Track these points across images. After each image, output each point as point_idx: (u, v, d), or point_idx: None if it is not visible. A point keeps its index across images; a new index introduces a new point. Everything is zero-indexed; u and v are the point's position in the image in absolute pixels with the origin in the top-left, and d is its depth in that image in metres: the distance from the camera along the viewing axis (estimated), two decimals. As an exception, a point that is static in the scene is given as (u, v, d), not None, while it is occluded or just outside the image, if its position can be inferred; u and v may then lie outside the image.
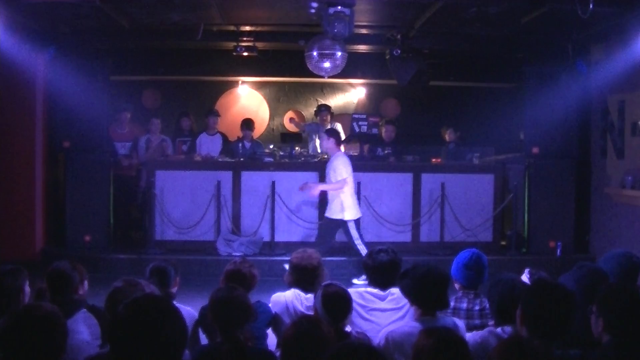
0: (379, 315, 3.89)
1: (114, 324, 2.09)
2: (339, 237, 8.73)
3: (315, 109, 10.46)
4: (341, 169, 7.62)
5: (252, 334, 3.40)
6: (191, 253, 8.33)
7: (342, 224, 7.71)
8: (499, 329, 3.31)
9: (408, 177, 8.86)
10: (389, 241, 8.06)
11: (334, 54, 7.64)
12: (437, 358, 2.41)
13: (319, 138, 9.87)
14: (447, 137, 9.90)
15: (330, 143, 7.82)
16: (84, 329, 3.34)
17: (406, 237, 8.79)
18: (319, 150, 9.73)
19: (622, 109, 8.18)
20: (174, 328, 2.07)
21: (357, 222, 7.79)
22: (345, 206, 7.66)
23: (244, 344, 3.12)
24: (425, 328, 2.66)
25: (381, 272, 3.98)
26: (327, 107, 10.04)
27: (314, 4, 6.70)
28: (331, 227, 7.84)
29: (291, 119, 10.82)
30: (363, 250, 7.50)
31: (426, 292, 3.40)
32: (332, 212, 7.75)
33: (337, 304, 3.32)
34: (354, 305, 3.66)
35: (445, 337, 2.48)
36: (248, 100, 11.66)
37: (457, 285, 3.98)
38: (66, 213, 8.63)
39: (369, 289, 4.01)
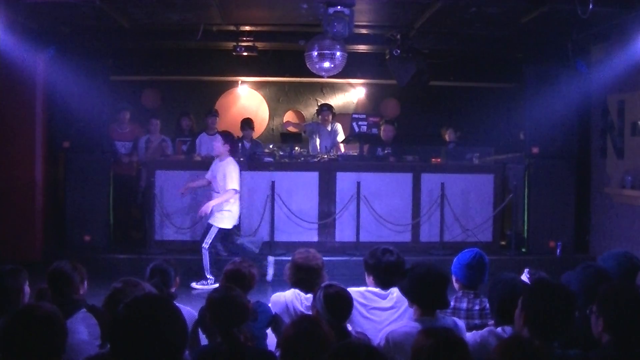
0: (380, 313, 3.91)
1: (114, 323, 2.09)
2: (338, 237, 8.77)
3: (317, 108, 10.45)
4: (233, 177, 7.54)
5: (252, 334, 3.41)
6: (191, 253, 8.32)
7: (209, 226, 7.63)
8: (499, 329, 3.31)
9: (408, 177, 8.86)
10: (389, 241, 8.06)
11: (334, 54, 7.64)
12: (437, 358, 2.41)
13: (319, 138, 9.86)
14: (447, 137, 9.90)
15: (224, 148, 7.64)
16: (83, 329, 3.34)
17: (406, 237, 8.79)
18: (318, 150, 9.73)
19: (622, 109, 8.18)
20: (174, 328, 2.07)
21: (222, 231, 7.66)
22: (223, 214, 7.59)
23: (244, 344, 3.12)
24: (424, 328, 2.66)
25: (387, 273, 3.98)
26: (329, 107, 10.01)
27: (304, 5, 6.72)
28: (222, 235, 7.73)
29: (286, 122, 10.85)
30: (205, 256, 7.52)
31: (426, 292, 3.40)
32: (215, 220, 7.64)
33: (340, 304, 3.34)
34: (355, 304, 3.67)
35: (445, 337, 2.48)
36: (248, 100, 11.66)
37: (457, 285, 3.97)
38: (66, 213, 8.64)
39: (370, 288, 4.01)
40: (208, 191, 8.29)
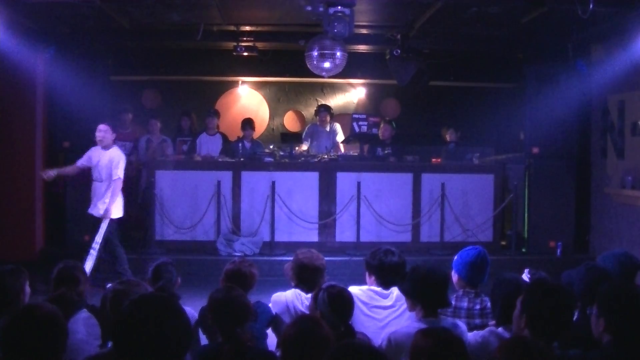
0: (380, 312, 3.92)
1: (118, 322, 2.09)
2: (339, 237, 8.76)
3: (315, 108, 10.42)
4: (121, 166, 7.24)
5: (252, 334, 3.41)
6: (191, 253, 8.33)
7: (99, 219, 7.19)
8: (500, 329, 3.31)
9: (408, 177, 8.86)
10: (389, 241, 8.07)
11: (334, 54, 7.63)
12: (435, 358, 2.41)
13: (318, 139, 9.81)
14: (447, 137, 9.90)
15: (112, 136, 7.32)
16: (83, 329, 3.35)
17: (406, 237, 8.79)
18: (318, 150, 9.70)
19: (622, 109, 8.19)
20: (178, 328, 2.07)
21: (116, 221, 7.28)
22: (114, 205, 7.19)
23: (245, 343, 3.12)
24: (422, 329, 2.66)
25: (390, 273, 3.98)
26: (326, 108, 9.95)
27: (309, 7, 6.70)
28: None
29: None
30: (92, 256, 6.98)
31: (428, 292, 3.39)
32: (110, 212, 7.20)
33: (343, 304, 3.35)
34: (357, 302, 3.67)
35: (443, 337, 2.48)
36: (248, 100, 11.66)
37: (458, 283, 3.94)
38: (66, 213, 8.64)
39: (372, 287, 4.02)
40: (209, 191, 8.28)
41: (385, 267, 3.98)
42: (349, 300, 3.39)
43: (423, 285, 3.40)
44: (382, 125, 9.33)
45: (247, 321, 3.21)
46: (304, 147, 9.58)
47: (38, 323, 2.46)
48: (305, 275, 4.10)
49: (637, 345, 2.70)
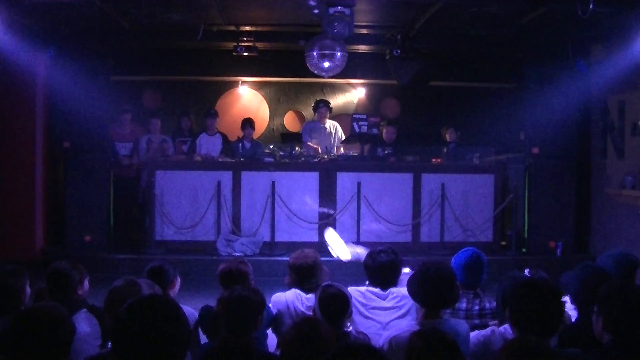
0: (380, 313, 3.90)
1: (117, 323, 2.09)
2: (339, 236, 8.74)
3: (313, 104, 10.18)
4: None
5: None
6: (191, 253, 8.33)
7: None
8: (501, 328, 3.29)
9: (408, 177, 8.86)
10: (389, 241, 8.07)
11: (334, 54, 7.63)
12: (426, 359, 2.42)
13: (317, 137, 9.75)
14: (447, 137, 9.89)
15: None
16: (84, 329, 3.35)
17: (406, 237, 8.79)
18: (319, 150, 9.65)
19: (622, 109, 8.18)
20: (177, 329, 2.07)
21: None
22: None
23: (245, 344, 3.11)
24: (416, 330, 2.66)
25: (381, 272, 3.98)
26: (325, 103, 9.69)
27: (313, 2, 6.68)
28: None
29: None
30: None
31: (424, 292, 3.35)
32: None
33: (333, 306, 3.31)
34: (355, 303, 3.66)
35: (433, 338, 2.48)
36: (248, 100, 11.66)
37: (455, 285, 3.95)
38: (66, 213, 8.64)
39: (370, 288, 4.01)
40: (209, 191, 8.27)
41: (377, 267, 3.97)
42: (340, 302, 3.33)
43: (420, 285, 3.36)
44: (386, 128, 9.29)
45: (257, 321, 3.22)
46: (311, 144, 9.47)
47: (44, 324, 2.45)
48: (295, 277, 4.11)
49: (637, 345, 2.70)
